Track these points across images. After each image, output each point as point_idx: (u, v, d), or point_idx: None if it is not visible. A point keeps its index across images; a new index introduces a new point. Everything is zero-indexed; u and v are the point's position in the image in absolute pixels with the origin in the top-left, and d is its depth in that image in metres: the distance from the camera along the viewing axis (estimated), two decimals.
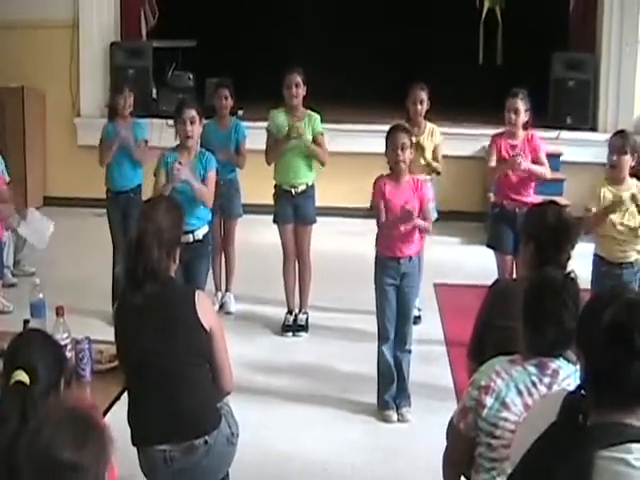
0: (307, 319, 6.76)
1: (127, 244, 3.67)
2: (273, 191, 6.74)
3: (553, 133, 9.23)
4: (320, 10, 12.07)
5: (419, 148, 6.32)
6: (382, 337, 5.45)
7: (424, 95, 6.65)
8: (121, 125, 6.74)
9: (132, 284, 3.56)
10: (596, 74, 9.59)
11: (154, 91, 10.06)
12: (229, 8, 11.78)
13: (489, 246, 6.38)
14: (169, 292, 3.61)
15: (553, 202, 4.00)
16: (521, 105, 6.12)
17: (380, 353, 5.46)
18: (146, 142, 6.86)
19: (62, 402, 2.64)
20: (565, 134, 9.40)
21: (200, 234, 5.70)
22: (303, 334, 6.68)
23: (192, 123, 5.70)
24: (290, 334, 6.68)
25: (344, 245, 8.62)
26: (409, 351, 5.45)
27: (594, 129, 9.56)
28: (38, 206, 9.79)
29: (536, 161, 6.17)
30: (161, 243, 3.55)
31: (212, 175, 5.82)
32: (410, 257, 5.38)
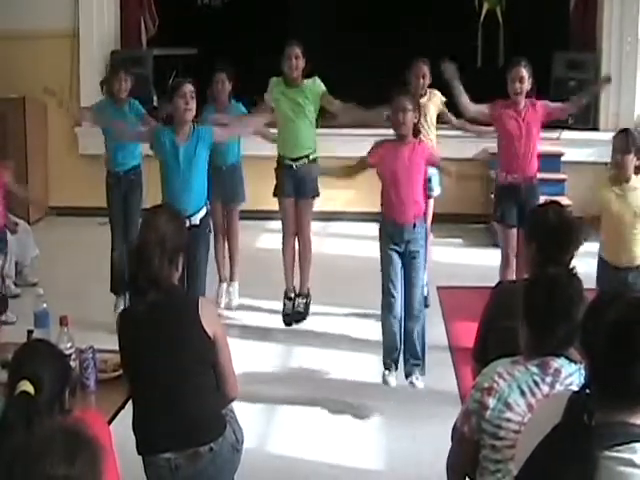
0: (306, 303, 6.70)
1: (128, 252, 3.67)
2: (276, 162, 6.69)
3: (554, 133, 9.22)
4: (319, 15, 12.07)
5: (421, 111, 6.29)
6: (385, 302, 5.46)
7: (426, 69, 6.76)
8: (117, 104, 6.78)
9: (134, 293, 3.57)
10: (597, 74, 9.57)
11: (155, 99, 10.07)
12: (229, 15, 11.79)
13: (495, 220, 6.42)
14: (172, 300, 3.60)
15: (554, 202, 4.00)
16: (525, 72, 6.18)
17: (383, 319, 5.48)
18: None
19: (53, 421, 2.65)
20: (566, 134, 9.40)
21: (197, 219, 5.65)
22: (303, 321, 6.63)
23: (192, 98, 5.71)
24: (291, 324, 6.67)
25: (348, 249, 8.61)
26: (418, 317, 5.42)
27: (595, 129, 9.56)
28: (41, 216, 9.81)
29: (553, 112, 6.39)
30: (163, 251, 3.54)
31: (216, 129, 5.90)
32: (414, 224, 5.39)
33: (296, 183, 6.58)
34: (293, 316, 6.68)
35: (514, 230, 6.15)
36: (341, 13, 11.87)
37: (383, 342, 5.55)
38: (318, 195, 6.65)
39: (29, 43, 9.86)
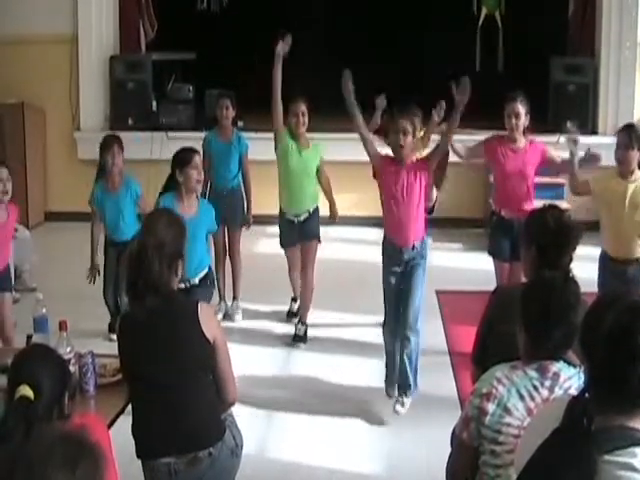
0: (306, 330, 6.71)
1: (128, 257, 3.65)
2: (279, 213, 6.75)
3: (553, 138, 9.21)
4: (319, 20, 12.10)
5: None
6: (385, 322, 5.55)
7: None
8: (111, 189, 6.54)
9: (134, 298, 3.56)
10: (595, 78, 9.59)
11: (154, 104, 10.08)
12: (228, 20, 11.80)
13: (489, 253, 6.39)
14: (171, 305, 3.59)
15: (553, 206, 4.00)
16: (521, 108, 6.04)
17: (383, 338, 5.60)
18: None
19: (53, 428, 2.65)
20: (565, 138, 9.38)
21: (197, 279, 5.56)
22: (301, 345, 6.65)
23: (202, 169, 5.77)
24: (294, 319, 6.81)
25: (349, 254, 8.61)
26: (408, 338, 5.39)
27: (594, 133, 9.56)
28: (39, 221, 9.82)
29: (551, 163, 6.16)
30: (162, 256, 3.53)
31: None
32: (413, 246, 5.39)
33: (300, 230, 6.67)
34: (293, 338, 6.70)
35: (507, 264, 6.15)
36: (341, 16, 11.90)
37: (385, 364, 5.63)
38: (319, 240, 6.71)
39: (28, 48, 9.86)
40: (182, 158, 5.70)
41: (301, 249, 6.72)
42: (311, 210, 6.66)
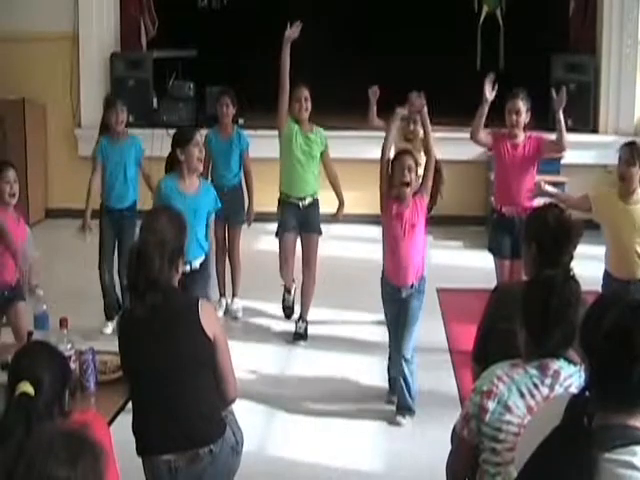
0: (306, 328, 6.70)
1: (129, 254, 3.66)
2: (278, 201, 6.71)
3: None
4: (319, 17, 12.07)
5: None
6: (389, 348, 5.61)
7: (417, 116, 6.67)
8: (115, 144, 6.62)
9: (134, 294, 3.57)
10: (597, 76, 9.59)
11: (155, 101, 10.08)
12: (229, 17, 11.80)
13: (489, 250, 6.39)
14: (172, 302, 3.60)
15: (554, 205, 4.01)
16: (522, 106, 6.11)
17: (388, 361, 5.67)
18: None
19: (54, 425, 2.66)
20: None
21: (197, 263, 5.54)
22: (302, 342, 6.64)
23: (203, 146, 5.72)
24: (291, 316, 6.82)
25: (349, 252, 8.60)
26: (402, 367, 5.37)
27: (595, 131, 9.56)
28: (40, 218, 9.82)
29: (547, 147, 6.22)
30: (163, 253, 3.54)
31: (212, 219, 5.79)
32: (412, 285, 5.39)
33: (301, 220, 6.61)
34: (294, 335, 6.68)
35: (507, 262, 6.15)
36: (341, 14, 11.88)
37: (388, 381, 5.73)
38: (321, 232, 6.70)
39: (29, 45, 9.85)
40: (184, 136, 5.66)
41: (302, 242, 6.68)
42: (314, 197, 6.63)
